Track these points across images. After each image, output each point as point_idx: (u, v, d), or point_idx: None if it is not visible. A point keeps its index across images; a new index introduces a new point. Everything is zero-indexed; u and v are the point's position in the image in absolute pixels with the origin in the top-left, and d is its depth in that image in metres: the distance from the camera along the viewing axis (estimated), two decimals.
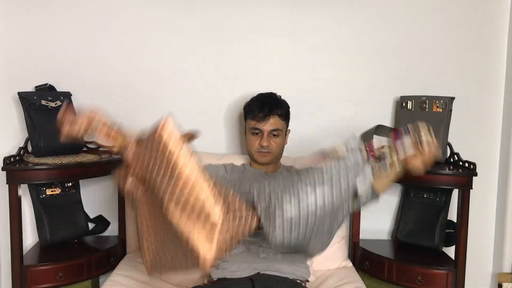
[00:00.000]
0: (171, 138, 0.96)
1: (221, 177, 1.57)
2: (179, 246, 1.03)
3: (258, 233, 1.44)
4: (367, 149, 1.04)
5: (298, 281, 1.41)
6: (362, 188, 1.04)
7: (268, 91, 1.66)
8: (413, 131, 1.05)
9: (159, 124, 0.97)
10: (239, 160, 1.73)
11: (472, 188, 1.65)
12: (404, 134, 1.05)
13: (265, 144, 1.56)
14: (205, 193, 0.97)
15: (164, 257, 1.11)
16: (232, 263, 1.40)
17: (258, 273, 1.36)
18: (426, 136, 1.03)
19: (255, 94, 1.65)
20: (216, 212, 0.97)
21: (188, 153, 0.97)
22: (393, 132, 1.08)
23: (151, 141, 1.00)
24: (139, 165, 1.04)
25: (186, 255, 1.03)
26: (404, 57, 1.93)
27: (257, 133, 1.58)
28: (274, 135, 1.57)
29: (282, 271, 1.39)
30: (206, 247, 0.98)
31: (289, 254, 1.42)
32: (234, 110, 1.91)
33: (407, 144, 1.03)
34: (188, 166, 0.96)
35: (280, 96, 1.65)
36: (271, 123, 1.56)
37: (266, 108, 1.56)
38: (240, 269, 1.37)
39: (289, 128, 1.67)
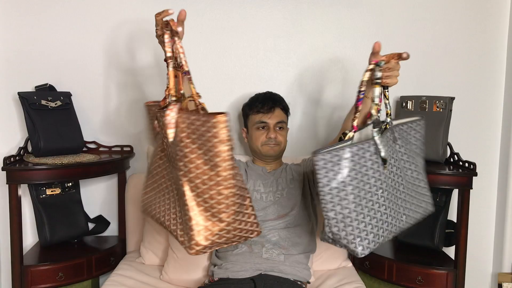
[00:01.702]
0: (227, 139, 0.94)
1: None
2: (179, 209, 1.04)
3: (262, 234, 1.45)
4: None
5: (299, 282, 1.41)
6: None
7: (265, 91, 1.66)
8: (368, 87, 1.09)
9: (220, 119, 0.94)
10: (242, 160, 1.72)
11: (472, 188, 1.65)
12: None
13: (273, 136, 1.54)
14: (227, 198, 0.95)
15: (157, 205, 1.12)
16: (235, 263, 1.40)
17: (260, 273, 1.37)
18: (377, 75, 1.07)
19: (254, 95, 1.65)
20: (225, 219, 0.97)
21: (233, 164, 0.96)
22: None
23: (201, 125, 0.97)
24: (177, 134, 1.03)
25: (180, 221, 1.03)
26: None
27: (263, 127, 1.56)
28: (279, 128, 1.57)
29: (285, 272, 1.39)
30: (201, 236, 0.97)
31: (292, 256, 1.43)
32: (234, 110, 1.91)
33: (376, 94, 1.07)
34: (228, 170, 0.94)
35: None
36: (277, 115, 1.56)
37: (270, 101, 1.56)
38: (243, 269, 1.37)
39: (288, 126, 1.66)
